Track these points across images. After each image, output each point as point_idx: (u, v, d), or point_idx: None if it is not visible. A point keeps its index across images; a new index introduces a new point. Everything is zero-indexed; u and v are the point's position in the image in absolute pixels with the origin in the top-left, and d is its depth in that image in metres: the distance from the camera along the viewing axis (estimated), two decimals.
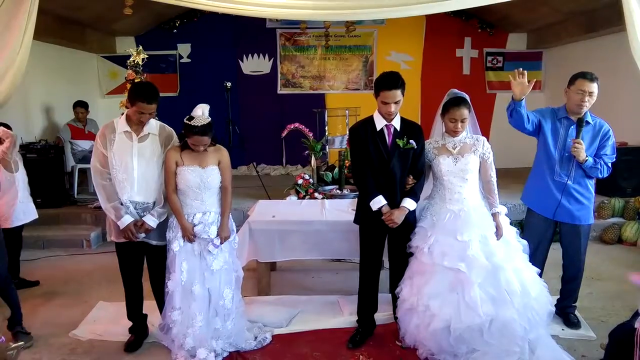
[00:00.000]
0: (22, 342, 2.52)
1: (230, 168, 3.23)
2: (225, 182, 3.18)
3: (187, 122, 2.98)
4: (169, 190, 3.12)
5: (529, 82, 3.18)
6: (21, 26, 3.59)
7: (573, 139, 3.26)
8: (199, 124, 2.96)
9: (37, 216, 4.37)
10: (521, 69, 3.23)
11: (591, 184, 3.43)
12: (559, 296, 3.61)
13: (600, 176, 3.35)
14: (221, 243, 3.13)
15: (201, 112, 3.01)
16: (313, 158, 5.84)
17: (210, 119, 3.02)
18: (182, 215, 3.10)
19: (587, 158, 3.26)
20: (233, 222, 3.30)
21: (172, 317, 3.11)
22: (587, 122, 3.31)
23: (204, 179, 3.09)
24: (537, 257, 3.46)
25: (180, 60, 8.64)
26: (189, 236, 3.08)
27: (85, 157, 6.53)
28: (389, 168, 3.17)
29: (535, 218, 3.52)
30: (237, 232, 3.38)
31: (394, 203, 3.17)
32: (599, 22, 6.39)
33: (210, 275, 3.12)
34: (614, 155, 3.38)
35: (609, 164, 3.35)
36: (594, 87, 3.23)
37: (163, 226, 3.22)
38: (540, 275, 3.38)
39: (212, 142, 3.12)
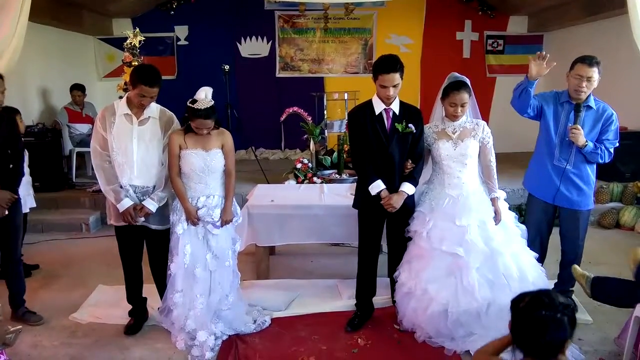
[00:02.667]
0: (20, 327, 2.53)
1: (233, 151, 3.22)
2: (228, 165, 3.18)
3: (191, 105, 2.97)
4: (173, 174, 3.11)
5: (547, 64, 3.16)
6: (16, 8, 3.55)
7: (570, 125, 3.24)
8: (203, 107, 2.94)
9: (34, 205, 4.36)
10: (544, 52, 3.19)
11: (592, 169, 3.39)
12: (556, 280, 3.63)
13: (600, 161, 3.31)
14: (222, 225, 3.13)
15: (204, 95, 2.99)
16: (312, 142, 5.82)
17: (213, 102, 3.01)
18: (185, 198, 3.10)
19: (586, 143, 3.22)
20: (237, 205, 3.30)
21: (174, 299, 3.14)
22: (589, 107, 3.28)
23: (208, 162, 3.08)
24: (538, 242, 3.47)
25: (178, 43, 8.54)
26: (193, 219, 3.09)
27: (83, 141, 6.50)
28: (387, 152, 3.15)
29: (536, 203, 3.51)
30: (239, 219, 3.36)
31: (393, 187, 3.17)
32: (601, 5, 6.32)
33: (212, 258, 3.13)
34: (617, 141, 3.32)
35: (611, 150, 3.29)
36: (593, 72, 3.17)
37: (163, 210, 3.22)
38: (542, 259, 3.40)
39: (215, 125, 3.11)
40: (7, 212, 3.27)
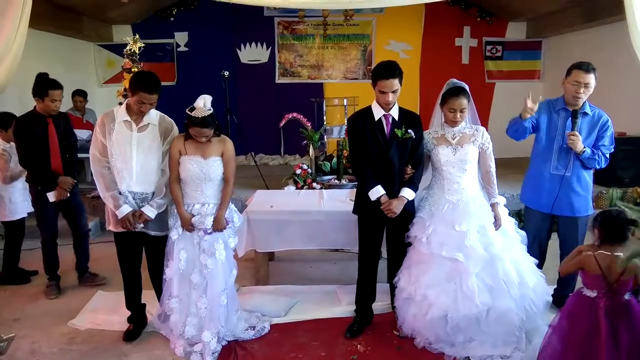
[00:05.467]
0: (13, 335, 2.52)
1: (233, 160, 3.20)
2: (227, 174, 3.16)
3: (188, 112, 2.98)
4: (171, 179, 3.13)
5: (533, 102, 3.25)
6: (16, 14, 3.56)
7: (568, 132, 3.26)
8: (200, 116, 2.95)
9: (32, 210, 4.35)
10: (530, 94, 3.27)
11: (589, 175, 3.42)
12: (556, 286, 3.62)
13: (597, 167, 3.34)
14: (213, 231, 3.10)
15: (203, 104, 2.99)
16: (311, 148, 5.84)
17: (212, 110, 3.00)
18: (181, 205, 3.11)
19: (584, 149, 3.25)
20: (237, 212, 3.29)
21: (170, 305, 3.13)
22: (585, 113, 3.31)
23: (205, 170, 3.08)
24: (537, 250, 3.47)
25: (178, 49, 8.57)
26: (187, 226, 3.08)
27: (84, 147, 6.47)
28: (387, 158, 3.16)
29: (534, 213, 3.53)
30: (238, 223, 3.34)
31: (393, 193, 3.17)
32: (599, 11, 6.35)
33: (204, 256, 3.10)
34: (612, 146, 3.36)
35: (607, 155, 3.33)
36: (590, 78, 3.20)
37: (162, 217, 3.22)
38: (541, 265, 3.40)
39: (216, 133, 3.11)
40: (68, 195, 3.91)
